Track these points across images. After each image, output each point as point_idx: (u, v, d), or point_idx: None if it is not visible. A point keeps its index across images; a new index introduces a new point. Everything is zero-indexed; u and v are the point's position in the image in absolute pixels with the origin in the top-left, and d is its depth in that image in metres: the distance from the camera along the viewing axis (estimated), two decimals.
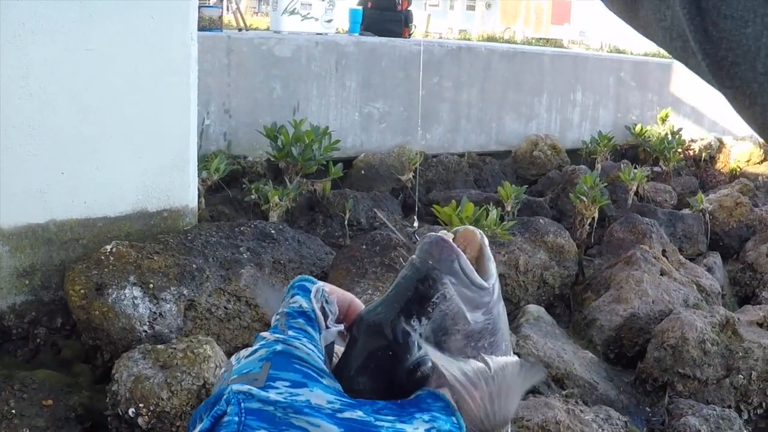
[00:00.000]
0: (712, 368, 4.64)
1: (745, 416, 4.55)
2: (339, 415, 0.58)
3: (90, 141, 4.17)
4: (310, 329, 0.67)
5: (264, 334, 0.66)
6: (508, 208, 6.32)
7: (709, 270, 6.49)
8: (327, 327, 0.69)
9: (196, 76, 4.56)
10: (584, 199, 6.42)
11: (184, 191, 4.60)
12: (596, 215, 6.53)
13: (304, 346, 0.64)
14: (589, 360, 4.78)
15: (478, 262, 0.72)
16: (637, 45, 14.77)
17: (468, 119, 8.16)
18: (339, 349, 0.71)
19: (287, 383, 0.59)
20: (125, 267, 3.96)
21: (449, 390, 0.66)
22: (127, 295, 3.87)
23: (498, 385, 0.68)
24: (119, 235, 4.32)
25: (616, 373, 4.90)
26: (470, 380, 0.66)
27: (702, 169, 9.85)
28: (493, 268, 0.74)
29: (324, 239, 5.29)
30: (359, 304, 0.74)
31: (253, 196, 5.42)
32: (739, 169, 9.74)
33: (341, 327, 0.71)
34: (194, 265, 4.12)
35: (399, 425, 0.60)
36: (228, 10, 8.36)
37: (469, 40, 15.33)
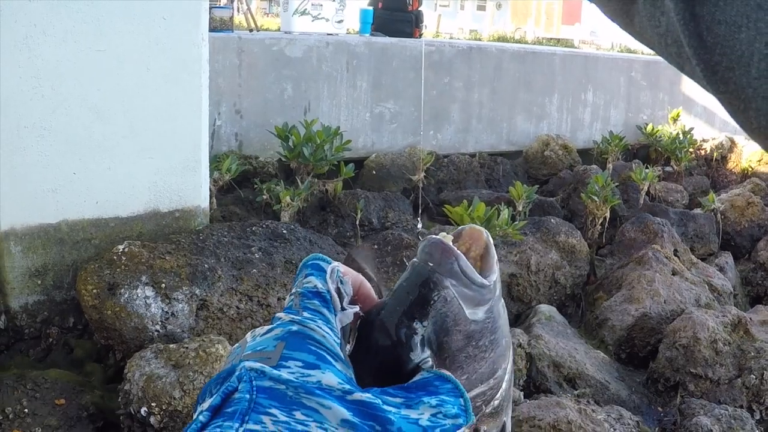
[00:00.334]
0: (724, 368, 4.62)
1: (757, 416, 4.53)
2: (349, 397, 0.57)
3: (102, 141, 4.18)
4: (325, 311, 0.67)
5: (279, 314, 0.66)
6: (520, 208, 6.31)
7: (721, 270, 6.47)
8: (342, 308, 0.69)
9: (208, 77, 4.57)
10: (596, 198, 6.40)
11: (195, 191, 4.61)
12: (608, 215, 6.52)
13: (320, 328, 0.64)
14: (601, 360, 4.77)
15: (483, 260, 0.73)
16: None
17: (479, 119, 8.16)
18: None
19: (300, 363, 0.59)
20: (137, 267, 3.98)
21: None
22: (139, 295, 3.88)
23: None
24: (131, 235, 4.34)
25: (628, 372, 4.89)
26: None
27: (713, 168, 9.82)
28: (495, 266, 0.74)
29: (335, 239, 5.30)
30: (369, 287, 0.74)
31: (264, 197, 5.42)
32: (750, 169, 9.70)
33: (357, 308, 0.71)
34: (206, 265, 4.13)
35: (405, 411, 0.60)
36: (239, 11, 8.39)
37: (479, 40, 15.32)
